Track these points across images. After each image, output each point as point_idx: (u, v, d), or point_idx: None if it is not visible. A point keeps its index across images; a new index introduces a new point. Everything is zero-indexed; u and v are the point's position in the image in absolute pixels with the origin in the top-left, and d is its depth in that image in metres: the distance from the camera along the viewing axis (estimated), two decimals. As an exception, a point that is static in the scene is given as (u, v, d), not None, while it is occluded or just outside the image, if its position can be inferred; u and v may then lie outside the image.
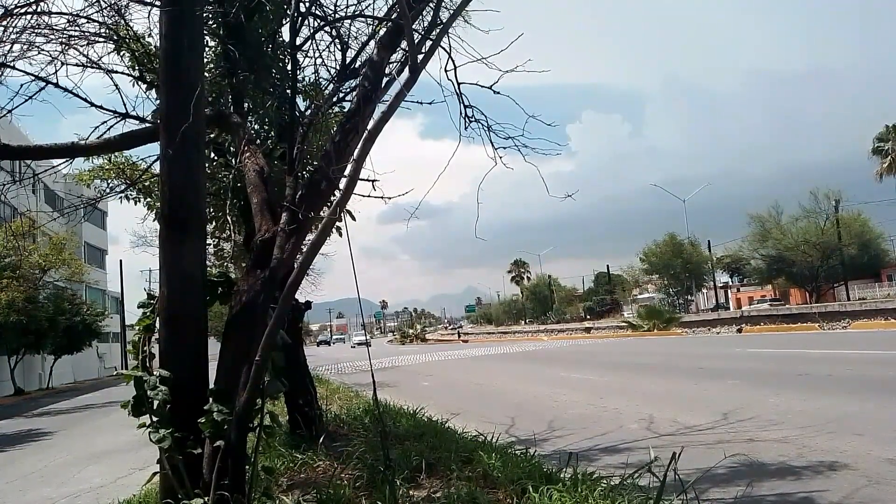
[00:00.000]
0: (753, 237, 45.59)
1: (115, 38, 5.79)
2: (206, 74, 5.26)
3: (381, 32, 4.67)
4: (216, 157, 6.55)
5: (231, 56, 5.48)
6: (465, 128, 4.48)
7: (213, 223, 6.89)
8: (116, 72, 5.92)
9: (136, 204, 7.42)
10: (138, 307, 3.59)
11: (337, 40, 5.95)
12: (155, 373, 3.26)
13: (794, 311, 30.74)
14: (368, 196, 4.32)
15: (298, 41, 5.76)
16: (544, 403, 9.61)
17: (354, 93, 4.69)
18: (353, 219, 3.47)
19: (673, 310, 43.71)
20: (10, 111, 4.94)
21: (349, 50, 6.00)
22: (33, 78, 4.98)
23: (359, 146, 3.29)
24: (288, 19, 5.59)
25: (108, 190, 7.64)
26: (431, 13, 4.03)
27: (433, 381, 15.83)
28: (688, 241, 50.42)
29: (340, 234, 4.45)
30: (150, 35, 6.07)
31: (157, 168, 6.02)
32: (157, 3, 4.44)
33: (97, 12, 5.27)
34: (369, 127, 3.20)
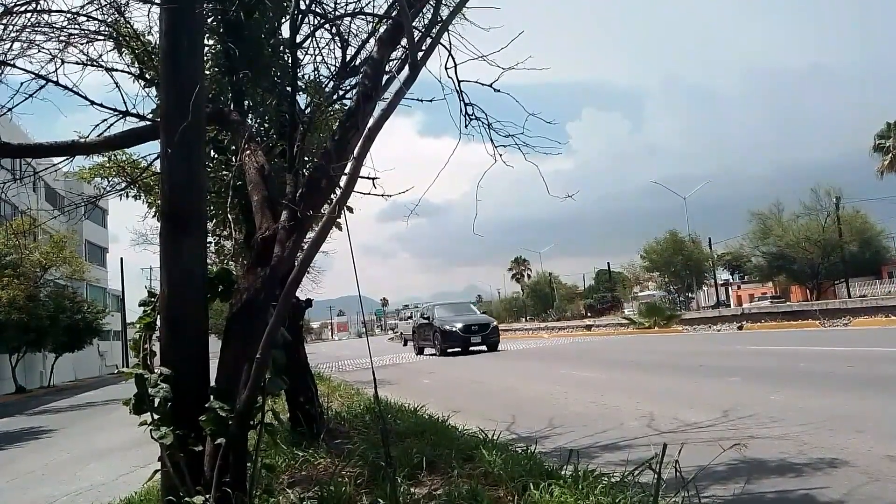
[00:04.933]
0: (754, 234, 45.54)
1: (115, 36, 5.79)
2: (206, 72, 5.27)
3: (381, 30, 4.67)
4: (216, 155, 6.55)
5: (231, 54, 5.48)
6: (466, 126, 4.48)
7: (214, 221, 6.89)
8: (116, 70, 5.93)
9: (136, 200, 7.44)
10: (139, 305, 3.60)
11: (337, 38, 5.95)
12: (156, 371, 3.26)
13: (795, 308, 30.68)
14: (369, 194, 4.32)
15: (298, 39, 5.77)
16: (545, 401, 9.61)
17: (354, 90, 4.69)
18: (351, 211, 3.47)
19: (674, 307, 43.64)
20: (10, 109, 4.94)
21: (349, 48, 6.00)
22: (33, 76, 4.98)
23: (359, 144, 3.29)
24: (288, 17, 5.60)
25: (108, 188, 7.65)
26: (431, 11, 4.03)
27: (434, 379, 15.84)
28: (689, 238, 50.38)
29: (340, 228, 4.45)
30: (150, 33, 6.08)
31: (157, 166, 6.03)
32: (157, 0, 4.44)
33: (97, 10, 5.27)
34: (369, 125, 3.20)
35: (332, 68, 6.21)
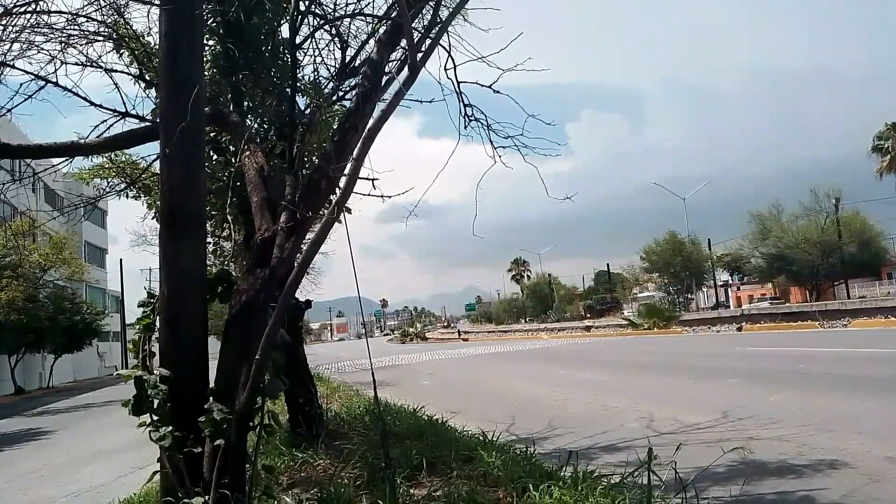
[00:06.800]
0: (754, 235, 45.55)
1: (115, 37, 5.79)
2: (206, 73, 5.26)
3: (381, 31, 4.67)
4: (216, 156, 6.55)
5: (230, 55, 5.48)
6: (465, 127, 4.48)
7: (213, 222, 6.89)
8: (116, 71, 5.93)
9: (135, 200, 7.44)
10: (138, 306, 3.59)
11: (336, 39, 5.95)
12: (155, 372, 3.25)
13: (795, 309, 30.70)
14: (368, 195, 4.32)
15: (298, 40, 5.77)
16: (544, 402, 9.61)
17: (354, 91, 4.69)
18: (349, 212, 3.47)
19: (673, 308, 43.62)
20: (9, 110, 4.94)
21: (349, 49, 6.01)
22: (33, 77, 4.98)
23: (358, 145, 3.29)
24: (287, 18, 5.59)
25: (107, 189, 7.65)
26: (431, 12, 4.03)
27: (433, 380, 15.84)
28: (688, 239, 50.37)
29: (340, 222, 4.44)
30: (149, 34, 6.07)
31: (156, 167, 6.02)
32: (157, 1, 4.44)
33: (97, 11, 5.27)
34: (369, 126, 3.20)
35: (332, 69, 6.21)
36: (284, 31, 5.83)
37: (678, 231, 50.87)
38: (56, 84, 5.17)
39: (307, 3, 5.71)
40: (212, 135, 5.99)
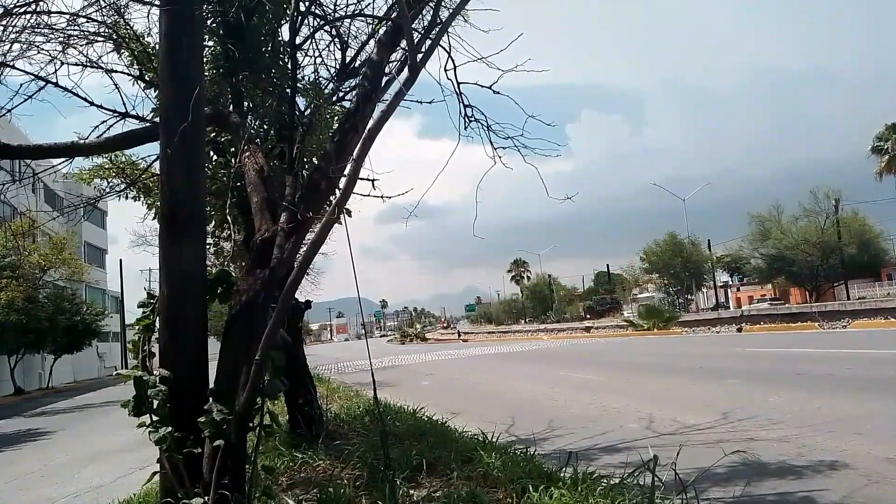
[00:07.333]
0: (753, 236, 45.55)
1: (115, 37, 5.79)
2: (206, 74, 5.26)
3: (381, 32, 4.67)
4: (216, 157, 6.55)
5: (231, 55, 5.48)
6: (465, 127, 4.49)
7: (213, 222, 6.89)
8: (116, 71, 5.94)
9: (135, 201, 7.44)
10: (138, 307, 3.59)
11: (336, 40, 5.96)
12: (155, 372, 3.25)
13: (794, 310, 30.73)
14: (368, 195, 4.32)
15: (298, 40, 5.77)
16: (544, 403, 9.61)
17: (354, 92, 4.69)
18: (350, 215, 3.47)
19: (673, 309, 43.62)
20: (9, 110, 4.94)
21: (349, 49, 6.02)
22: (33, 77, 4.99)
23: (358, 145, 3.29)
24: (287, 19, 5.59)
25: (107, 189, 7.65)
26: (431, 12, 4.03)
27: (433, 381, 15.83)
28: (688, 240, 50.38)
29: (340, 222, 4.44)
30: (149, 34, 6.08)
31: (157, 167, 6.03)
32: (157, 2, 4.44)
33: (97, 12, 5.28)
34: (369, 126, 3.20)
35: (332, 70, 6.22)
36: (284, 31, 5.84)
37: (678, 232, 50.92)
38: (56, 84, 5.18)
39: (307, 3, 5.71)
40: (212, 135, 5.99)
